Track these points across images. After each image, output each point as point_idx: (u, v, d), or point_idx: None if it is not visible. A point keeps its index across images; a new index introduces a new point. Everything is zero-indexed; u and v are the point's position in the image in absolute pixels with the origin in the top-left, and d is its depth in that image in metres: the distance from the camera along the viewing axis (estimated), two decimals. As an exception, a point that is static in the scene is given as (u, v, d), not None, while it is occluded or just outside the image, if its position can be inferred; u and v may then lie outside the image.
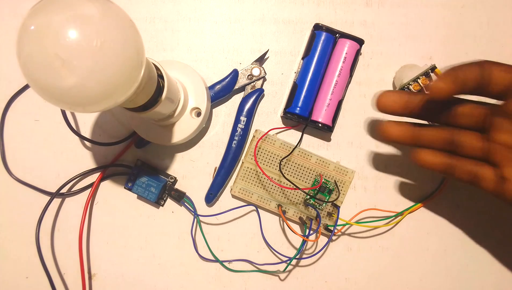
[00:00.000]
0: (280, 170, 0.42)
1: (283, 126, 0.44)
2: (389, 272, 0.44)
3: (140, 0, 0.44)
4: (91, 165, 0.44)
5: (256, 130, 0.42)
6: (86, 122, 0.44)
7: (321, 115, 0.42)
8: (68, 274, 0.43)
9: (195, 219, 0.43)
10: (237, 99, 0.44)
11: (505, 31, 0.45)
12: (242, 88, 0.43)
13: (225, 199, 0.44)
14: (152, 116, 0.35)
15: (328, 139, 0.44)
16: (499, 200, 0.34)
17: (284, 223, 0.43)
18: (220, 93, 0.42)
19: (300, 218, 0.43)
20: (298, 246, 0.43)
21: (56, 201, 0.43)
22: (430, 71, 0.41)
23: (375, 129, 0.39)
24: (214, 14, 0.44)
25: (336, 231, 0.42)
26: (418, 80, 0.41)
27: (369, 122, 0.43)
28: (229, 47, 0.44)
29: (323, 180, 0.42)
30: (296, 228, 0.44)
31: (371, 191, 0.44)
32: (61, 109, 0.41)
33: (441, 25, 0.45)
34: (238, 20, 0.44)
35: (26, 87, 0.43)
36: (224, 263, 0.43)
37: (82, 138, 0.43)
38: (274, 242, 0.43)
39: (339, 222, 0.41)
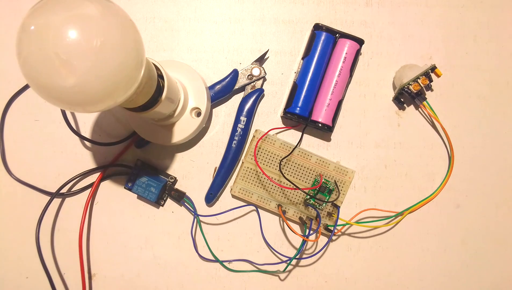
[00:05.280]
0: (280, 170, 0.42)
1: (283, 126, 0.44)
2: (389, 272, 0.44)
3: (140, 0, 0.44)
4: (91, 165, 0.44)
5: (256, 130, 0.42)
6: (86, 122, 0.44)
7: (321, 115, 0.42)
8: (68, 274, 0.43)
9: (195, 219, 0.43)
10: (237, 99, 0.44)
11: (505, 31, 0.45)
12: (242, 88, 0.43)
13: (225, 199, 0.44)
14: (152, 116, 0.35)
15: (328, 139, 0.44)
16: None
17: (284, 223, 0.43)
18: (220, 93, 0.42)
19: (300, 218, 0.43)
20: (298, 246, 0.43)
21: (56, 201, 0.43)
22: (430, 71, 0.41)
23: None
24: (214, 14, 0.44)
25: (336, 231, 0.42)
26: (418, 80, 0.41)
27: None
28: (229, 47, 0.44)
29: (323, 180, 0.42)
30: (296, 228, 0.44)
31: (371, 191, 0.44)
32: (61, 109, 0.41)
33: (441, 25, 0.45)
34: (238, 20, 0.44)
35: (26, 87, 0.43)
36: (224, 263, 0.43)
37: (82, 138, 0.43)
38: (274, 242, 0.43)
39: (339, 222, 0.41)
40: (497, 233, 0.45)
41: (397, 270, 0.44)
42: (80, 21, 0.22)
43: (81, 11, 0.22)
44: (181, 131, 0.40)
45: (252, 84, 0.43)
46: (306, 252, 0.44)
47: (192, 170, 0.44)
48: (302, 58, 0.43)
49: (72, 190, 0.43)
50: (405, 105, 0.44)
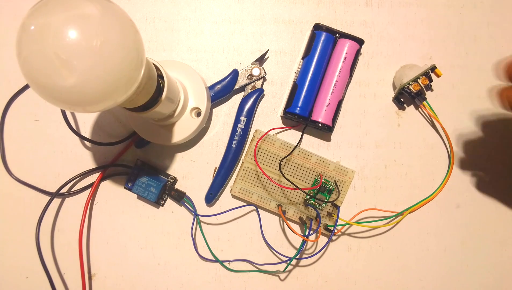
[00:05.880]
0: (280, 170, 0.42)
1: (283, 126, 0.44)
2: (389, 272, 0.44)
3: (140, 0, 0.44)
4: (91, 165, 0.44)
5: (256, 130, 0.42)
6: (86, 122, 0.44)
7: (321, 115, 0.42)
8: (68, 274, 0.43)
9: (195, 219, 0.43)
10: (237, 99, 0.44)
11: (505, 31, 0.45)
12: (242, 88, 0.43)
13: (225, 199, 0.44)
14: (152, 116, 0.35)
15: (328, 139, 0.44)
16: None
17: (284, 223, 0.43)
18: (220, 93, 0.42)
19: (300, 218, 0.43)
20: (298, 246, 0.43)
21: (56, 201, 0.43)
22: (430, 71, 0.41)
23: (497, 98, 0.35)
24: (214, 14, 0.44)
25: (336, 231, 0.42)
26: (418, 80, 0.41)
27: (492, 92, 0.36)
28: (229, 47, 0.44)
29: (323, 180, 0.42)
30: (296, 228, 0.44)
31: (371, 191, 0.44)
32: (61, 109, 0.41)
33: (441, 25, 0.45)
34: (238, 20, 0.44)
35: (26, 87, 0.43)
36: (224, 263, 0.43)
37: (82, 138, 0.43)
38: (274, 242, 0.43)
39: (339, 222, 0.41)
40: (497, 233, 0.45)
41: (397, 270, 0.44)
42: (80, 21, 0.22)
43: (81, 11, 0.22)
44: (181, 131, 0.40)
45: (252, 84, 0.43)
46: (306, 252, 0.44)
47: (192, 170, 0.44)
48: (302, 58, 0.43)
49: (72, 190, 0.43)
50: (405, 105, 0.44)
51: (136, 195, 0.43)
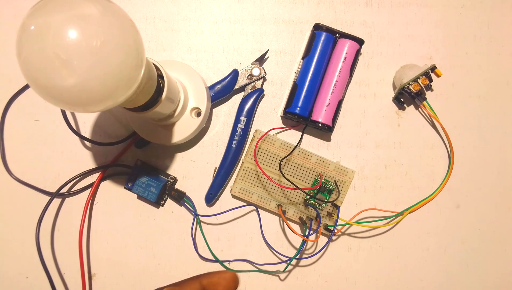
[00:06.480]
0: (280, 170, 0.42)
1: (283, 126, 0.44)
2: (389, 272, 0.44)
3: (140, 0, 0.44)
4: (91, 165, 0.44)
5: (256, 130, 0.42)
6: (86, 122, 0.44)
7: (321, 115, 0.42)
8: (68, 274, 0.43)
9: (195, 219, 0.43)
10: (237, 99, 0.44)
11: (505, 31, 0.45)
12: (242, 88, 0.43)
13: (225, 199, 0.44)
14: (152, 116, 0.35)
15: (328, 139, 0.44)
16: None
17: (284, 223, 0.43)
18: (220, 93, 0.42)
19: (300, 218, 0.43)
20: (298, 246, 0.43)
21: (56, 201, 0.43)
22: (430, 71, 0.41)
23: None
24: (214, 14, 0.44)
25: (336, 231, 0.42)
26: (418, 80, 0.41)
27: None
28: (229, 47, 0.44)
29: (323, 180, 0.42)
30: (296, 228, 0.44)
31: (371, 191, 0.44)
32: (61, 109, 0.41)
33: (441, 25, 0.45)
34: (238, 20, 0.44)
35: (26, 87, 0.43)
36: (224, 263, 0.43)
37: (82, 138, 0.43)
38: (274, 242, 0.43)
39: (339, 222, 0.41)
40: (497, 233, 0.45)
41: (397, 270, 0.44)
42: (80, 21, 0.22)
43: (81, 11, 0.22)
44: (181, 131, 0.40)
45: (252, 84, 0.43)
46: (306, 252, 0.44)
47: (192, 170, 0.44)
48: (302, 58, 0.43)
49: (72, 190, 0.43)
50: (405, 105, 0.44)
51: (136, 195, 0.43)
